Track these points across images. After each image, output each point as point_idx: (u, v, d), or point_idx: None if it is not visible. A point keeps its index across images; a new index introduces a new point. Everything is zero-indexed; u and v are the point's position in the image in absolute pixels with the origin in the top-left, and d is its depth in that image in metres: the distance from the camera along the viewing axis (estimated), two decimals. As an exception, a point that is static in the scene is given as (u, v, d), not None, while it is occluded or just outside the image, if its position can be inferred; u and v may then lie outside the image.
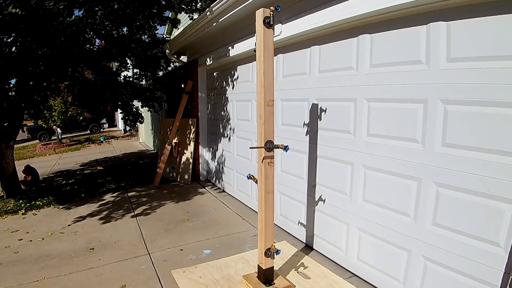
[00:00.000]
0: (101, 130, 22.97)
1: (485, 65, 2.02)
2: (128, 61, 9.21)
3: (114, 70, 8.94)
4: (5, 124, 6.18)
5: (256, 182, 2.78)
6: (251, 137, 4.90)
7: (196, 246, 3.96)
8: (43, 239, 4.43)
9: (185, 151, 6.92)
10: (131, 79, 9.00)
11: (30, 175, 8.21)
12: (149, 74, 9.24)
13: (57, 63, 6.25)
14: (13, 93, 6.26)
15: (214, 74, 6.21)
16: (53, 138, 17.81)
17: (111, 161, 11.54)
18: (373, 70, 2.77)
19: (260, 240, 2.83)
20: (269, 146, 2.56)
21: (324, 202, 3.46)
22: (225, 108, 5.77)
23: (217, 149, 6.34)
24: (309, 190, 3.70)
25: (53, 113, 14.79)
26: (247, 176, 2.90)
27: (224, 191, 6.18)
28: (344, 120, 3.08)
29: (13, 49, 6.04)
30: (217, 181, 6.53)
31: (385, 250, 2.77)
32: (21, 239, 4.46)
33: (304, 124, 3.67)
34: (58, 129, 16.10)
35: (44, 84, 6.63)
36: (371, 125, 2.82)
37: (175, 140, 7.07)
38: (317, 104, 3.41)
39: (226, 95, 5.66)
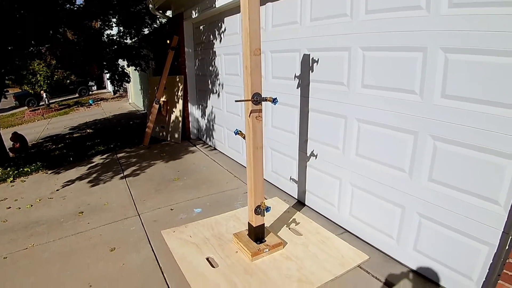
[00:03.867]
0: (90, 92, 22.30)
1: (492, 11, 1.79)
2: (112, 19, 8.66)
3: (97, 29, 8.42)
4: None
5: (244, 137, 2.62)
6: (241, 92, 4.66)
7: (187, 205, 3.89)
8: (31, 205, 4.34)
9: (174, 110, 6.69)
10: (115, 38, 8.49)
11: (18, 142, 7.99)
12: (133, 31, 8.71)
13: (36, 25, 5.79)
14: None
15: (201, 27, 5.82)
16: (41, 103, 17.28)
17: (100, 123, 11.29)
18: (369, 16, 2.51)
19: (250, 197, 2.74)
20: (257, 99, 2.37)
21: (316, 157, 3.34)
22: (213, 63, 5.47)
23: (207, 106, 6.12)
24: (300, 146, 3.56)
25: (39, 78, 14.22)
26: (234, 132, 2.74)
27: (215, 148, 6.06)
28: (337, 71, 2.86)
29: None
30: (208, 139, 6.39)
31: (378, 206, 2.70)
32: (10, 207, 4.36)
33: (295, 76, 3.45)
34: (45, 94, 15.57)
35: (24, 47, 6.20)
36: (366, 76, 2.61)
37: (163, 99, 6.81)
38: (309, 54, 3.16)
39: (214, 49, 5.33)
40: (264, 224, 2.83)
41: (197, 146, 6.37)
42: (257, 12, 2.26)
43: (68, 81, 18.68)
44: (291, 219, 3.36)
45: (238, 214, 3.54)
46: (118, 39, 8.55)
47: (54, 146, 8.18)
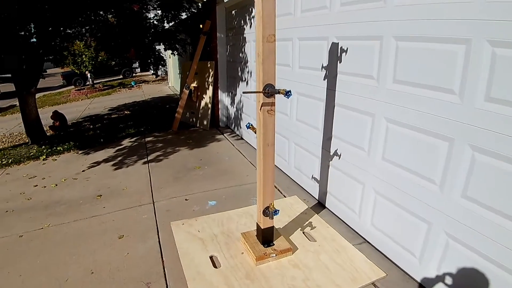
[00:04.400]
0: (134, 74, 22.99)
1: None
2: (149, 2, 8.69)
3: (136, 12, 8.49)
4: (26, 72, 6.07)
5: (255, 132, 2.40)
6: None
7: (202, 196, 3.77)
8: (56, 185, 4.45)
9: (204, 96, 6.59)
10: (152, 21, 8.52)
11: (58, 120, 8.36)
12: (170, 15, 8.69)
13: (75, 6, 5.91)
14: (34, 40, 6.08)
15: (233, 12, 5.59)
16: (87, 83, 18.09)
17: (138, 105, 11.55)
18: (404, 1, 2.14)
19: (258, 197, 2.53)
20: (268, 91, 2.12)
21: (339, 158, 3.04)
22: (243, 50, 5.25)
23: (236, 93, 5.94)
24: (324, 143, 3.27)
25: (84, 59, 14.84)
26: (246, 126, 2.52)
27: (242, 138, 5.89)
28: (366, 63, 2.53)
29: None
30: (235, 128, 6.23)
31: (402, 219, 2.37)
32: (36, 185, 4.51)
33: (322, 67, 3.14)
34: (89, 74, 16.25)
35: (62, 29, 6.37)
36: (398, 70, 2.26)
37: (194, 84, 6.73)
38: (337, 43, 2.84)
39: (244, 35, 5.10)
40: (273, 226, 2.61)
41: (224, 134, 6.24)
42: (273, -8, 2.00)
43: (113, 62, 19.33)
44: (307, 222, 3.11)
45: (252, 210, 3.35)
46: (155, 22, 8.58)
47: (91, 126, 8.46)
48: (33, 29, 5.91)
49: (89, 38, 8.29)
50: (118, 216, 3.50)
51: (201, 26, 6.08)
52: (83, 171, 4.88)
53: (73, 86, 19.04)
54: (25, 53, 5.85)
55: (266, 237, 2.59)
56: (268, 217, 2.51)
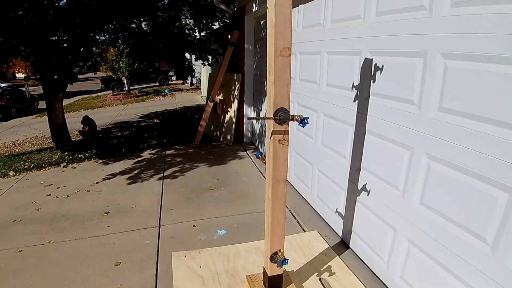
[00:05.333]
0: (169, 82, 23.44)
1: None
2: (183, 12, 8.67)
3: (168, 21, 8.48)
4: (54, 76, 6.12)
5: (265, 163, 2.01)
6: (294, 99, 4.03)
7: (212, 223, 3.41)
8: (68, 196, 4.31)
9: (229, 109, 6.31)
10: (184, 30, 8.46)
11: (88, 125, 8.44)
12: (202, 25, 8.60)
13: (105, 13, 5.91)
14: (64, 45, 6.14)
15: (261, 22, 5.29)
16: (124, 89, 18.61)
17: (168, 114, 11.56)
18: (456, 10, 1.69)
19: (266, 241, 2.13)
20: (280, 116, 1.74)
21: (368, 194, 2.58)
22: (269, 63, 4.90)
23: (261, 109, 5.59)
24: (351, 174, 2.81)
25: (121, 65, 15.24)
26: (256, 155, 2.14)
27: (265, 156, 5.49)
28: (406, 85, 2.08)
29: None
30: (259, 145, 5.87)
31: (442, 280, 1.87)
32: (49, 195, 4.40)
33: (353, 86, 2.71)
34: (126, 80, 16.67)
35: (92, 35, 6.40)
36: (446, 95, 1.80)
37: (219, 97, 6.47)
38: (371, 59, 2.41)
39: (271, 47, 4.76)
40: (282, 274, 2.19)
41: (247, 151, 5.89)
42: (287, -1, 1.64)
43: (150, 69, 19.77)
44: (325, 266, 2.65)
45: (264, 246, 2.93)
46: (187, 31, 8.51)
47: (118, 134, 8.47)
48: (62, 34, 5.94)
49: (122, 44, 8.35)
50: (120, 239, 3.23)
51: (229, 36, 5.83)
52: (97, 182, 4.71)
53: (110, 91, 19.68)
54: (54, 57, 5.88)
55: (273, 285, 2.17)
56: (276, 264, 2.10)
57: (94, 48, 7.28)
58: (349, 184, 2.86)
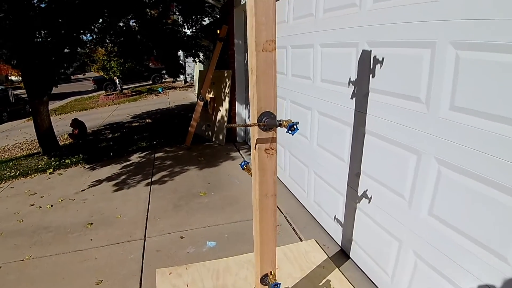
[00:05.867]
0: (163, 80, 23.03)
1: None
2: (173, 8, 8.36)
3: (156, 17, 8.18)
4: (38, 80, 5.82)
5: (251, 175, 1.76)
6: (286, 96, 3.77)
7: (201, 234, 3.17)
8: (51, 206, 4.06)
9: (220, 108, 6.04)
10: (173, 27, 8.15)
11: (77, 128, 8.16)
12: (191, 21, 8.29)
13: (88, 12, 5.61)
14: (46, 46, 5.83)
15: (252, 15, 5.00)
16: (117, 88, 18.25)
17: (161, 113, 11.26)
18: None
19: (256, 261, 1.87)
20: (265, 122, 1.48)
21: (369, 201, 2.33)
22: (260, 58, 4.63)
23: (254, 108, 5.32)
24: (350, 179, 2.57)
25: (112, 64, 14.89)
26: (240, 165, 1.89)
27: (259, 158, 5.24)
28: (410, 79, 1.82)
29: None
30: (254, 145, 5.59)
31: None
32: (33, 205, 4.15)
33: (349, 81, 2.45)
34: (118, 80, 16.33)
35: (75, 35, 6.09)
36: (459, 91, 1.54)
37: (210, 95, 6.20)
38: (370, 51, 2.15)
39: (261, 42, 4.48)
40: (275, 298, 1.94)
41: (240, 151, 5.64)
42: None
43: (142, 68, 19.39)
44: (324, 280, 2.42)
45: (257, 259, 2.69)
46: (176, 28, 8.21)
47: (109, 136, 8.19)
48: (44, 35, 5.65)
49: (109, 44, 8.05)
50: (102, 253, 2.99)
51: (218, 31, 5.55)
52: (82, 190, 4.46)
53: (103, 91, 19.30)
54: (37, 59, 5.58)
55: (266, 310, 1.93)
56: (267, 287, 1.86)
57: (80, 49, 6.97)
58: (348, 189, 2.61)
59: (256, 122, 1.49)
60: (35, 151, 6.81)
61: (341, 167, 2.68)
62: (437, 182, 1.72)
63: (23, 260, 3.01)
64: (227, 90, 5.77)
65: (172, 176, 4.63)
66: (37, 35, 5.59)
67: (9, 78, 32.15)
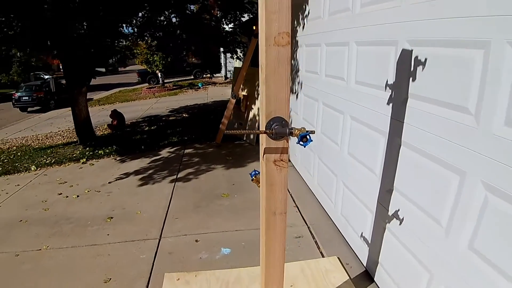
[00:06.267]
0: (204, 75, 23.32)
1: None
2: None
3: (196, 13, 8.17)
4: (77, 71, 6.01)
5: (260, 187, 1.56)
6: (319, 97, 3.51)
7: (217, 239, 3.01)
8: (77, 196, 4.13)
9: (253, 106, 5.87)
10: (211, 23, 8.10)
11: (116, 119, 8.41)
12: (230, 17, 8.18)
13: (128, 5, 5.69)
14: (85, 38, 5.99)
15: (289, 10, 4.76)
16: (160, 82, 18.73)
17: (198, 108, 11.34)
18: None
19: (261, 283, 1.67)
20: (274, 130, 1.27)
21: (400, 223, 2.03)
22: (294, 56, 4.39)
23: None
24: (381, 195, 2.27)
25: (155, 58, 15.27)
26: (250, 174, 1.68)
27: (289, 160, 5.01)
28: (457, 85, 1.51)
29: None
30: (284, 147, 5.37)
31: None
32: (61, 194, 4.25)
33: (386, 85, 2.16)
34: (160, 74, 16.74)
35: (113, 28, 6.21)
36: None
37: (243, 93, 6.04)
38: (411, 51, 1.85)
39: (297, 38, 4.24)
40: (282, 325, 1.73)
41: (270, 152, 5.41)
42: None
43: (184, 64, 19.74)
44: (344, 307, 2.15)
45: (272, 273, 2.48)
46: (214, 23, 8.15)
47: (145, 128, 8.35)
48: (85, 28, 5.79)
49: (149, 38, 8.17)
50: (116, 250, 2.94)
51: (254, 27, 5.36)
52: (109, 182, 4.50)
53: (147, 84, 19.91)
54: (77, 51, 5.74)
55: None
56: (273, 314, 1.64)
57: (120, 42, 7.13)
58: (378, 206, 2.32)
59: (264, 129, 1.28)
60: (73, 140, 7.07)
61: (372, 180, 2.38)
62: (483, 211, 1.40)
63: (40, 250, 3.05)
64: (260, 89, 5.57)
65: (198, 174, 4.54)
66: (78, 26, 5.75)
67: (61, 68, 34.24)
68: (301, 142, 1.20)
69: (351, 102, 2.69)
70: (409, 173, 1.95)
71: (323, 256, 2.77)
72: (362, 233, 2.60)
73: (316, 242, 2.95)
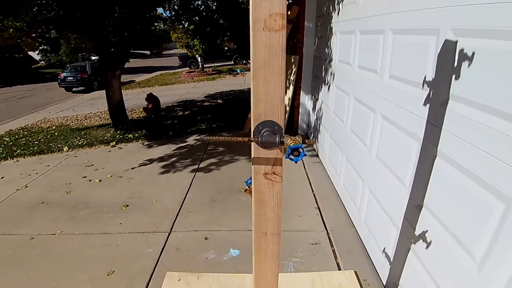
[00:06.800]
0: (244, 61, 23.11)
1: None
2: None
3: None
4: (111, 55, 6.04)
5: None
6: (350, 90, 3.17)
7: (228, 238, 2.84)
8: (100, 181, 4.15)
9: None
10: (245, 6, 7.82)
11: (152, 103, 8.49)
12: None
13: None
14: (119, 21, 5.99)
15: (326, -6, 4.38)
16: (200, 66, 18.82)
17: (233, 95, 11.21)
18: None
19: (252, 308, 1.46)
20: (262, 138, 1.02)
21: (427, 246, 1.72)
22: (328, 44, 4.03)
23: (318, 98, 4.76)
24: (409, 210, 1.95)
25: (195, 42, 15.29)
26: (246, 182, 1.45)
27: (317, 155, 4.72)
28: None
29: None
30: (315, 141, 5.06)
31: None
32: (85, 177, 4.30)
33: (424, 81, 1.81)
34: (199, 58, 16.78)
35: (147, 12, 6.15)
36: None
37: (275, 82, 5.75)
38: (455, 42, 1.49)
39: (331, 25, 3.87)
40: None
41: (299, 145, 5.13)
42: None
43: (225, 47, 19.62)
44: (355, 334, 1.89)
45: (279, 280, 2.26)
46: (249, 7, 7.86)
47: (180, 113, 8.35)
48: (118, 11, 5.78)
49: (185, 22, 8.08)
50: (125, 241, 2.88)
51: (288, 12, 5.02)
52: (132, 168, 4.49)
53: (187, 68, 20.12)
54: (111, 35, 5.77)
55: None
56: None
57: (156, 26, 7.10)
58: (404, 222, 2.00)
59: (252, 134, 1.04)
60: (107, 122, 7.22)
61: (399, 191, 2.06)
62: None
63: (54, 234, 3.06)
64: (292, 77, 5.27)
65: (220, 165, 4.39)
66: (113, 9, 5.74)
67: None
68: (291, 156, 0.96)
69: (383, 99, 2.35)
70: (443, 190, 1.62)
71: (339, 269, 2.51)
72: (384, 248, 2.30)
73: (334, 251, 2.68)
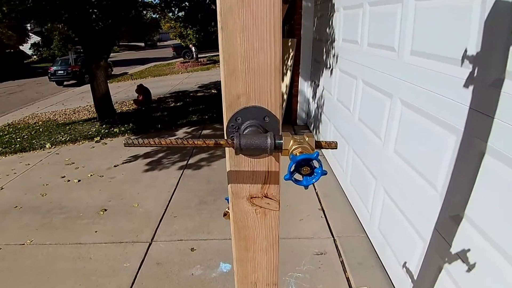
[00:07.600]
0: (240, 50, 22.55)
1: None
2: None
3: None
4: (95, 43, 5.54)
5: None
6: (358, 73, 2.74)
7: (218, 249, 2.44)
8: (79, 181, 3.76)
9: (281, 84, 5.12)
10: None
11: (142, 94, 8.04)
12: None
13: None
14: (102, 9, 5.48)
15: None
16: (194, 56, 18.24)
17: (228, 84, 10.72)
18: None
19: None
20: (239, 138, 0.59)
21: (469, 269, 1.31)
22: (330, 23, 3.57)
23: (319, 84, 4.32)
24: (441, 221, 1.54)
25: (188, 32, 14.72)
26: (226, 199, 1.02)
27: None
28: None
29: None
30: (315, 131, 4.64)
31: None
32: (64, 177, 3.90)
33: (464, 56, 1.38)
34: (194, 48, 16.23)
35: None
36: None
37: (271, 69, 5.30)
38: (510, 2, 1.06)
39: (333, 1, 3.41)
40: None
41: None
42: None
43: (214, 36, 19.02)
44: None
45: (279, 308, 1.86)
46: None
47: (172, 104, 7.93)
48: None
49: (175, 9, 7.57)
50: (100, 253, 2.49)
51: (285, -9, 4.54)
52: (115, 166, 4.07)
53: (182, 58, 19.53)
54: (94, 22, 5.28)
55: None
56: None
57: (148, 13, 6.62)
58: (434, 234, 1.59)
59: (226, 133, 0.61)
60: (94, 116, 6.78)
61: (428, 196, 1.65)
62: None
63: (23, 244, 2.69)
64: (289, 62, 4.81)
65: (210, 161, 3.96)
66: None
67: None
68: (295, 176, 0.53)
69: (403, 81, 1.92)
70: (494, 198, 1.21)
71: (349, 285, 2.11)
72: (406, 262, 1.89)
73: (342, 262, 2.29)
